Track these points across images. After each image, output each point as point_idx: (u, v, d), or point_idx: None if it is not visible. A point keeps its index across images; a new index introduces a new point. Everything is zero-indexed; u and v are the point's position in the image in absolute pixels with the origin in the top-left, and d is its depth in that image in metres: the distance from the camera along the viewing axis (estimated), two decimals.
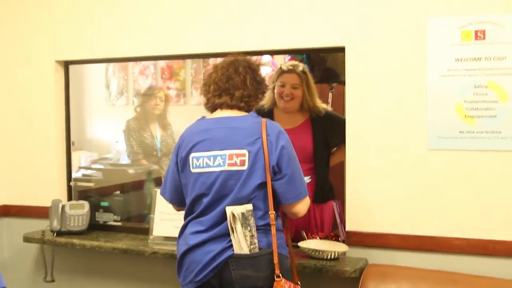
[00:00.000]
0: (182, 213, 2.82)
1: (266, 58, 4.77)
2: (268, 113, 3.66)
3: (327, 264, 3.06)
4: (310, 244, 3.24)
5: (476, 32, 2.94)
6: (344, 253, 3.16)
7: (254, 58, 2.94)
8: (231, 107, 2.73)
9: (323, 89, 4.26)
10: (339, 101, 4.34)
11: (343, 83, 4.15)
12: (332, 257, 3.11)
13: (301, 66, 3.75)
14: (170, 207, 2.98)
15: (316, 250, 3.13)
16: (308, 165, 3.61)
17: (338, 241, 3.32)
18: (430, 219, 3.05)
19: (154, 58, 4.05)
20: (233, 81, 2.72)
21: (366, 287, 2.93)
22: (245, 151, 2.60)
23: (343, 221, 3.33)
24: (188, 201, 2.72)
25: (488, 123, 2.94)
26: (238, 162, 2.60)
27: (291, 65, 3.76)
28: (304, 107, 3.72)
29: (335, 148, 3.78)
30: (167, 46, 3.65)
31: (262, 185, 2.60)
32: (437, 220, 3.04)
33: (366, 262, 3.13)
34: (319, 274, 3.06)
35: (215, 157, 2.63)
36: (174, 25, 3.60)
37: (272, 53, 4.02)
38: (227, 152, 2.61)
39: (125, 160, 5.20)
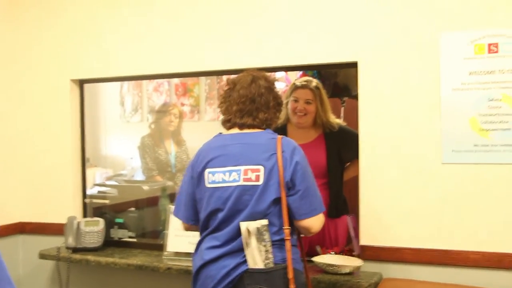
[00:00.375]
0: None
1: (280, 73, 4.78)
2: (281, 129, 3.67)
3: (341, 279, 3.05)
4: (324, 259, 3.24)
5: (489, 45, 2.95)
6: (358, 268, 3.15)
7: (269, 74, 2.95)
8: (252, 127, 2.74)
9: (335, 103, 4.27)
10: (352, 115, 4.35)
11: (354, 97, 4.17)
12: (347, 271, 3.11)
13: (315, 82, 3.76)
14: None
15: (331, 265, 3.13)
16: (322, 180, 3.60)
17: (353, 255, 3.31)
18: (445, 233, 3.04)
19: (168, 76, 4.07)
20: (256, 104, 2.73)
21: None
22: (260, 167, 2.60)
23: (357, 236, 3.32)
24: (203, 216, 2.72)
25: (503, 136, 2.93)
26: (253, 178, 2.60)
27: (304, 81, 3.77)
28: (318, 122, 3.72)
29: (349, 163, 3.78)
30: (181, 63, 3.68)
31: (277, 201, 2.60)
32: (452, 233, 3.03)
33: (381, 277, 3.11)
34: None
35: (230, 172, 2.64)
36: (188, 43, 3.64)
37: (286, 69, 4.02)
38: (243, 167, 2.62)
39: (139, 176, 5.22)
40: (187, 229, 2.91)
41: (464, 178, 3.00)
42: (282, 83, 4.84)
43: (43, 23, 4.09)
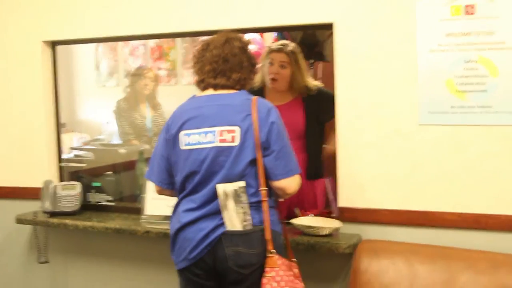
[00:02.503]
0: None
1: (251, 35, 4.74)
2: (258, 92, 3.65)
3: (320, 241, 3.07)
4: (303, 220, 3.25)
5: (466, 6, 2.93)
6: (337, 229, 3.17)
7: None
8: (226, 88, 2.73)
9: None
10: (329, 79, 4.35)
11: (325, 59, 4.17)
12: (326, 233, 3.13)
13: (291, 46, 3.74)
14: None
15: (309, 227, 3.15)
16: (299, 142, 3.61)
17: (332, 217, 3.33)
18: (422, 194, 3.06)
19: (142, 37, 4.02)
20: (230, 63, 2.71)
21: (360, 262, 2.95)
22: (236, 128, 2.59)
23: (335, 198, 3.34)
24: (179, 179, 2.71)
25: (479, 98, 2.93)
26: (229, 139, 2.59)
27: (280, 44, 3.76)
28: (294, 87, 3.71)
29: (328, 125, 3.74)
30: (154, 24, 3.63)
31: (253, 162, 2.60)
32: (429, 194, 3.04)
33: (359, 238, 3.14)
34: (313, 250, 3.07)
35: (206, 133, 2.63)
36: (161, 3, 3.58)
37: (260, 30, 4.01)
38: (218, 128, 2.61)
39: (116, 141, 5.19)
40: (160, 192, 2.90)
41: (441, 139, 3.01)
42: (253, 45, 4.80)
43: None
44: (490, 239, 2.95)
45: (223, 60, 2.71)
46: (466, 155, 2.97)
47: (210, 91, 2.74)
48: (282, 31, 4.17)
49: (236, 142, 2.59)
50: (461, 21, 2.94)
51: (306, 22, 3.28)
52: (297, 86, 3.71)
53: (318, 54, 4.30)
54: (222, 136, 2.60)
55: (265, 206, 2.59)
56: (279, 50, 3.72)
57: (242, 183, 2.57)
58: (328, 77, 3.45)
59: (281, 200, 2.83)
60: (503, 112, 2.90)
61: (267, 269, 2.56)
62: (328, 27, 3.22)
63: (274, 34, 4.43)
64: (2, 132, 4.11)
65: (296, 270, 2.69)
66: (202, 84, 2.77)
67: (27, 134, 4.04)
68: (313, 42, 4.29)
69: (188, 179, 2.67)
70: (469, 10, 2.93)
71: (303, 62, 3.75)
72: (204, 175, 2.62)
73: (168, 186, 2.82)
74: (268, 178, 2.63)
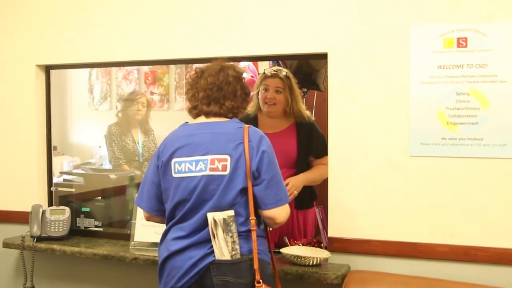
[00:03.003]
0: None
1: (243, 63, 4.76)
2: (252, 119, 3.65)
3: (309, 271, 3.05)
4: (292, 250, 3.23)
5: (458, 39, 2.95)
6: (326, 260, 3.15)
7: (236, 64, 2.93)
8: (218, 115, 2.73)
9: None
10: (322, 108, 4.36)
11: (319, 89, 4.19)
12: (315, 263, 3.11)
13: (285, 71, 3.75)
14: None
15: (298, 256, 3.13)
16: (291, 171, 3.60)
17: (321, 247, 3.31)
18: (412, 226, 3.05)
19: (135, 63, 4.03)
20: (224, 91, 2.72)
21: None
22: (227, 156, 2.59)
23: (325, 227, 3.32)
24: (169, 206, 2.70)
25: (470, 130, 2.95)
26: (220, 167, 2.59)
27: (274, 70, 3.77)
28: (288, 112, 3.71)
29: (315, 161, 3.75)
30: (149, 51, 3.64)
31: (244, 191, 2.59)
32: (419, 226, 3.04)
33: (348, 268, 3.12)
34: (301, 280, 3.05)
35: (197, 162, 2.62)
36: (156, 30, 3.60)
37: (255, 59, 4.03)
38: (209, 157, 2.60)
39: (108, 165, 5.17)
40: (148, 218, 2.88)
41: (432, 170, 3.01)
42: (246, 74, 4.83)
43: (8, 8, 4.01)
44: (480, 271, 2.94)
45: (218, 88, 2.72)
46: (457, 187, 2.98)
47: (202, 119, 2.74)
48: (277, 60, 4.18)
49: (227, 171, 2.58)
50: (453, 53, 2.97)
51: (301, 51, 3.29)
52: (291, 111, 3.71)
53: (312, 83, 4.32)
54: (214, 165, 2.59)
55: (254, 235, 2.58)
56: (273, 76, 3.72)
57: (231, 212, 2.56)
58: (322, 107, 3.47)
59: (270, 229, 2.82)
60: (494, 145, 2.91)
61: None
62: (323, 56, 3.23)
63: (269, 62, 4.45)
64: None
65: None
66: (195, 110, 2.77)
67: (17, 157, 4.02)
68: (308, 71, 4.31)
69: (178, 207, 2.66)
70: (461, 42, 2.95)
71: (297, 88, 3.76)
72: (194, 203, 2.60)
73: (157, 213, 2.81)
74: (257, 207, 2.63)
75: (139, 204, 2.87)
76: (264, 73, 3.80)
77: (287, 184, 3.37)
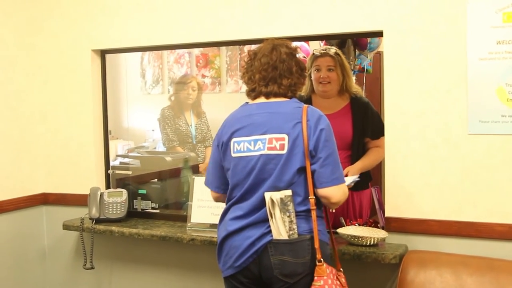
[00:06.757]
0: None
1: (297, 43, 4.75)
2: (307, 101, 3.64)
3: (366, 251, 3.04)
4: (349, 230, 3.22)
5: None
6: (383, 239, 3.13)
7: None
8: (278, 95, 2.72)
9: None
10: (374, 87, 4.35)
11: None
12: (372, 243, 3.09)
13: (334, 49, 3.73)
14: (207, 194, 2.96)
15: (355, 236, 3.11)
16: (347, 153, 3.59)
17: (377, 227, 3.29)
18: (471, 205, 3.00)
19: (188, 46, 4.06)
20: (279, 70, 2.71)
21: (407, 273, 2.91)
22: (284, 135, 2.59)
23: (382, 207, 3.30)
24: (229, 186, 2.72)
25: None
26: (277, 146, 2.59)
27: (323, 49, 3.75)
28: (343, 89, 3.70)
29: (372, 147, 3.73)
30: (201, 33, 3.65)
31: (301, 170, 2.58)
32: (478, 205, 2.99)
33: (406, 249, 3.10)
34: (359, 260, 3.04)
35: (255, 141, 2.63)
36: (208, 12, 3.60)
37: (308, 38, 4.00)
38: (267, 136, 2.61)
39: (161, 148, 5.23)
40: (216, 199, 2.91)
41: (491, 149, 2.96)
42: (300, 54, 4.81)
43: None
44: None
45: (272, 68, 2.71)
46: None
47: (261, 99, 2.74)
48: (331, 39, 4.15)
49: (285, 150, 2.58)
50: None
51: (356, 30, 3.27)
52: (345, 88, 3.69)
53: None
54: (271, 144, 2.60)
55: (313, 215, 2.58)
56: (323, 55, 3.71)
57: (288, 192, 2.56)
58: (372, 87, 3.44)
59: (331, 210, 2.81)
60: None
61: (316, 278, 2.55)
62: (378, 34, 3.19)
63: (320, 42, 4.42)
64: (51, 139, 4.18)
65: (343, 280, 2.67)
66: (253, 93, 2.77)
67: (75, 141, 4.09)
68: None
69: (237, 187, 2.68)
70: None
71: (347, 65, 3.75)
72: (252, 183, 2.62)
73: (224, 191, 2.82)
74: (313, 185, 2.62)
75: (207, 185, 2.90)
76: (313, 53, 3.78)
77: (346, 174, 3.34)
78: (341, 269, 2.74)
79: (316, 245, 2.56)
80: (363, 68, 4.80)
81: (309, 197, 2.59)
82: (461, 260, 2.91)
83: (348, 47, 4.45)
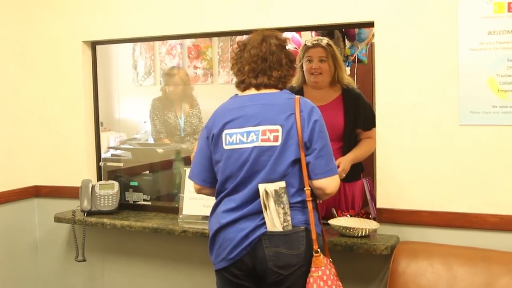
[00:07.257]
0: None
1: (286, 34, 4.74)
2: (298, 92, 3.63)
3: (358, 242, 3.04)
4: (340, 221, 3.23)
5: (509, 4, 2.87)
6: (375, 230, 3.14)
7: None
8: (269, 87, 2.71)
9: None
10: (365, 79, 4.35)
11: None
12: (363, 234, 3.10)
13: (326, 40, 3.73)
14: None
15: (347, 228, 3.12)
16: (338, 144, 3.59)
17: (369, 218, 3.30)
18: (462, 195, 3.01)
19: (180, 36, 4.03)
20: (269, 62, 2.70)
21: (398, 264, 2.92)
22: (278, 127, 2.58)
23: (373, 198, 3.30)
24: (220, 179, 2.71)
25: None
26: (271, 138, 2.58)
27: (315, 40, 3.75)
28: (334, 80, 3.70)
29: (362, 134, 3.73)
30: (192, 24, 3.63)
31: (296, 162, 2.59)
32: (470, 196, 3.00)
33: (397, 239, 3.10)
34: (350, 251, 3.05)
35: (248, 133, 2.62)
36: (200, 3, 3.58)
37: (299, 29, 3.99)
38: (261, 128, 2.60)
39: (152, 140, 5.22)
40: (199, 191, 2.90)
41: (482, 139, 2.96)
42: (291, 45, 4.80)
43: None
44: None
45: (262, 59, 2.70)
46: (508, 156, 2.92)
47: (252, 91, 2.73)
48: (322, 30, 4.14)
49: (279, 142, 2.58)
50: (504, 18, 2.88)
51: (347, 21, 3.25)
52: (337, 79, 3.69)
53: None
54: (265, 135, 2.59)
55: (310, 206, 2.58)
56: (315, 46, 3.70)
57: (282, 184, 2.56)
58: (364, 78, 3.44)
59: (320, 201, 2.81)
60: None
61: (313, 269, 2.56)
62: (369, 25, 3.19)
63: (311, 32, 4.42)
64: (42, 131, 4.16)
65: (333, 270, 2.67)
66: (243, 85, 2.76)
67: (66, 133, 4.08)
68: None
69: (229, 179, 2.66)
70: None
71: (339, 56, 3.75)
72: (245, 175, 2.61)
73: (210, 185, 2.81)
74: (307, 177, 2.62)
75: (192, 178, 2.88)
76: (305, 44, 3.78)
77: (338, 166, 3.34)
78: (330, 259, 2.73)
79: (314, 236, 2.56)
80: (357, 58, 4.79)
81: (305, 188, 2.59)
82: (452, 251, 2.91)
83: (337, 38, 4.44)
